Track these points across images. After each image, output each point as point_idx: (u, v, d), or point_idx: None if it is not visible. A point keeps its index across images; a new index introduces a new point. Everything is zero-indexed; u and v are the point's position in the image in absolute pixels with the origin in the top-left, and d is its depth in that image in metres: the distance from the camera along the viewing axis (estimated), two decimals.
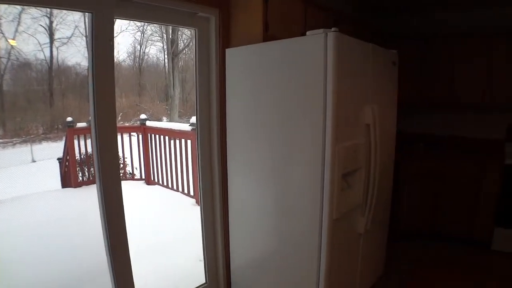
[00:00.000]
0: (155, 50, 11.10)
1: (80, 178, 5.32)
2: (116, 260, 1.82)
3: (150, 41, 10.60)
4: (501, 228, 2.96)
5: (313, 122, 1.72)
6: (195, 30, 2.17)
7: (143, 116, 4.95)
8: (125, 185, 1.91)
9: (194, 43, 2.25)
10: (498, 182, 2.93)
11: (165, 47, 10.51)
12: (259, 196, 2.06)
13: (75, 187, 5.15)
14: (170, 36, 10.24)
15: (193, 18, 2.12)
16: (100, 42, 1.66)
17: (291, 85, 1.81)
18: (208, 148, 2.30)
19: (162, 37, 10.41)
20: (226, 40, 2.19)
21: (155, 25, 9.26)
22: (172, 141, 4.43)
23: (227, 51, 2.14)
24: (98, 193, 1.76)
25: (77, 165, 5.33)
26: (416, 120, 3.86)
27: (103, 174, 1.73)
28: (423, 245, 3.22)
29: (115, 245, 1.81)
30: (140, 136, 4.91)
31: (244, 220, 2.20)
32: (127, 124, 8.03)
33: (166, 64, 10.67)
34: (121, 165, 5.58)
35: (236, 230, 2.27)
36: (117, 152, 1.81)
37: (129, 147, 5.03)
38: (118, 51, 9.24)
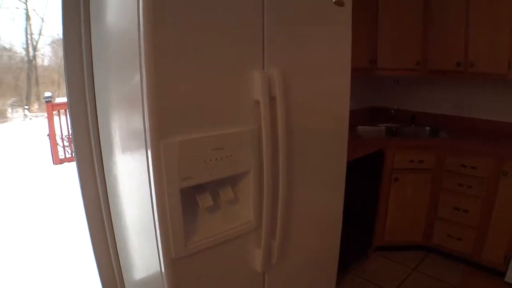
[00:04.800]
0: None
1: (63, 155, 5.09)
2: None
3: None
4: None
5: (133, 103, 1.02)
6: None
7: None
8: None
9: None
10: None
11: None
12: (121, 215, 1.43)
13: (55, 164, 4.93)
14: None
15: None
16: None
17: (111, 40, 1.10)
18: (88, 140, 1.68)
19: None
20: None
21: None
22: None
23: None
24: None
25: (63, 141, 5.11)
26: (413, 96, 2.87)
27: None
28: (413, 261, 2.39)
29: None
30: None
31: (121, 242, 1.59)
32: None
33: None
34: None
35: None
36: None
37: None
38: None
